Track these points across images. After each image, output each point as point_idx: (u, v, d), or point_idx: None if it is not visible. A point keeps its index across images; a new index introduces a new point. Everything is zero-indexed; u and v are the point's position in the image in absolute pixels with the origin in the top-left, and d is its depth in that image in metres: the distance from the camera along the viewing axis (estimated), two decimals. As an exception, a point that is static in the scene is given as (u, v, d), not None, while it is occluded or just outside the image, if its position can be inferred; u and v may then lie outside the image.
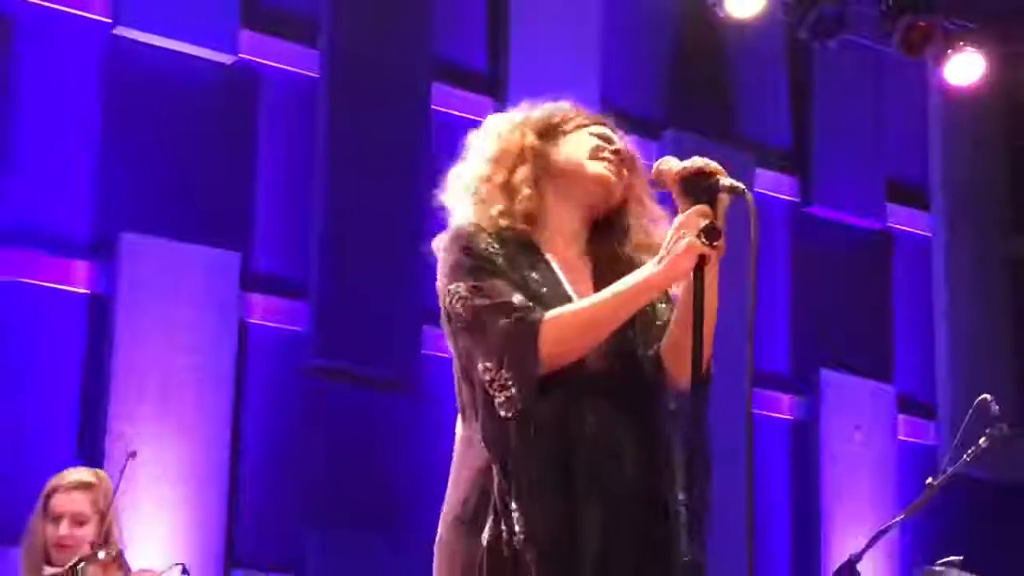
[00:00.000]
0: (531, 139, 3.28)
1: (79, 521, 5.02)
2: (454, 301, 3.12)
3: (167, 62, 6.99)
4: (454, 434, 3.32)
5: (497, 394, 3.06)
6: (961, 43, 8.32)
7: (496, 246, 3.14)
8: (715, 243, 2.94)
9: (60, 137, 6.82)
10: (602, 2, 7.99)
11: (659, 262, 3.01)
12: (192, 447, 6.65)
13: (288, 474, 6.95)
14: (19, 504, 6.20)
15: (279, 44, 7.31)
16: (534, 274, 3.15)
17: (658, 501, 3.16)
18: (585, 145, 3.27)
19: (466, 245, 3.15)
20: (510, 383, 3.04)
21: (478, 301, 3.08)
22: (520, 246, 3.18)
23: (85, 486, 5.09)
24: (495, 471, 3.07)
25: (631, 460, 3.13)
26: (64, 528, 4.99)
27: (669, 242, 3.00)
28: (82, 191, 6.83)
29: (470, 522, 3.13)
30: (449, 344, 3.23)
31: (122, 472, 4.96)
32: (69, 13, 6.89)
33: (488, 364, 3.07)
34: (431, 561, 3.35)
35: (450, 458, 3.34)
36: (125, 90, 6.94)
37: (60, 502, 5.05)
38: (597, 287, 3.19)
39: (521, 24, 7.81)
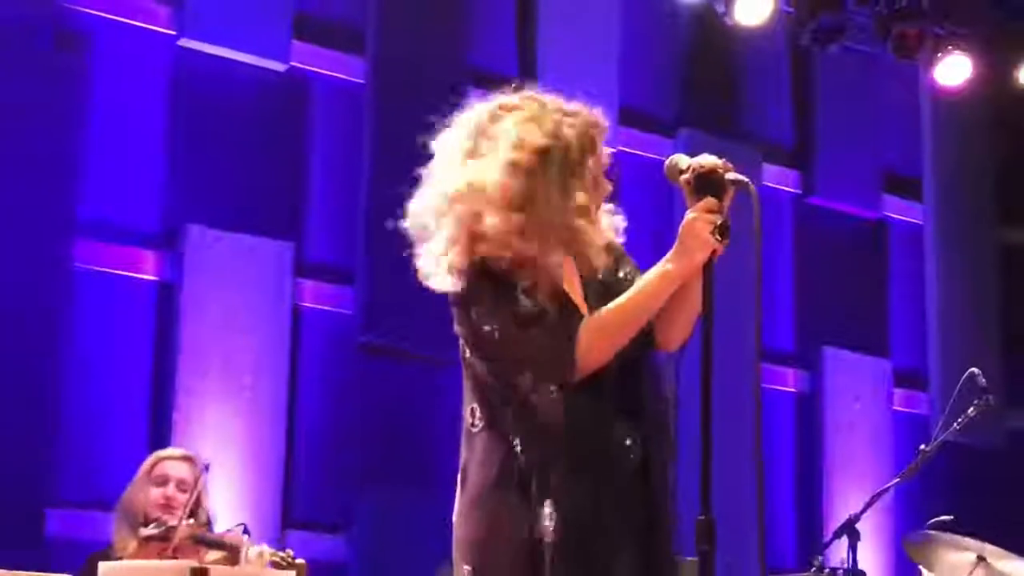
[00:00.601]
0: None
1: (182, 488, 5.08)
2: (482, 323, 3.09)
3: (226, 70, 6.97)
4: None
5: (537, 399, 3.05)
6: (950, 47, 8.26)
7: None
8: (726, 238, 2.96)
9: (131, 139, 6.82)
10: (622, 13, 7.94)
11: (675, 257, 3.02)
12: (251, 419, 6.67)
13: (338, 441, 6.95)
14: (96, 473, 6.23)
15: (327, 54, 7.29)
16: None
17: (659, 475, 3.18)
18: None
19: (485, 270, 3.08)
20: (552, 390, 3.04)
21: (513, 322, 3.05)
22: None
23: (188, 459, 5.23)
24: (521, 456, 3.06)
25: (640, 438, 3.14)
26: (170, 490, 5.08)
27: (683, 237, 2.99)
28: (151, 187, 6.82)
29: (501, 499, 3.11)
30: (467, 352, 3.19)
31: (198, 482, 5.00)
32: (139, 27, 6.88)
33: (528, 374, 3.06)
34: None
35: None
36: (189, 96, 6.93)
37: (168, 468, 5.16)
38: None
39: (548, 34, 7.78)
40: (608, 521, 3.10)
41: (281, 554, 4.79)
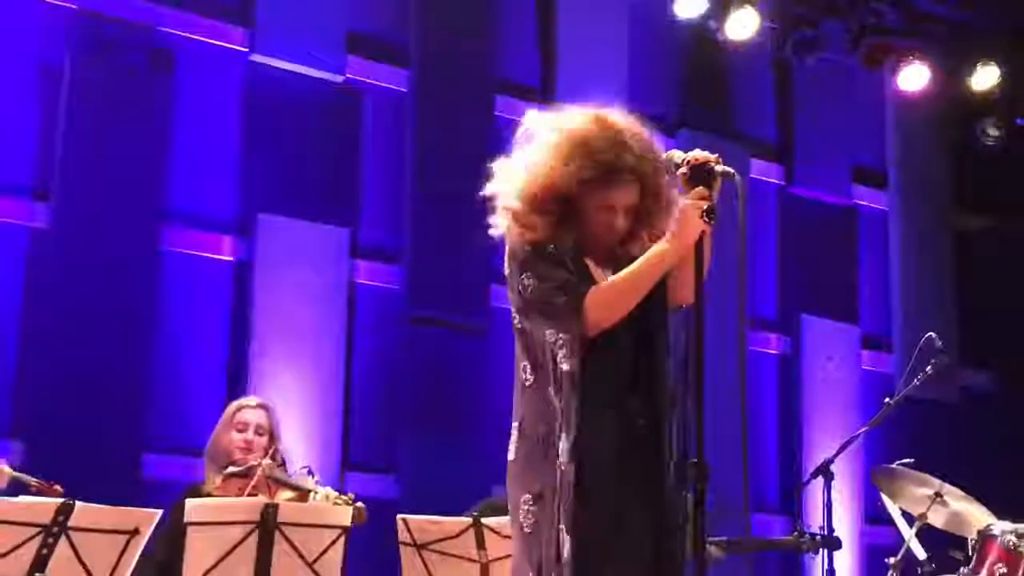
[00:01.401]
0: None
1: (259, 432, 5.11)
2: (525, 287, 3.18)
3: (291, 81, 6.98)
4: (512, 363, 3.32)
5: (559, 352, 3.11)
6: (911, 58, 8.27)
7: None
8: (712, 220, 3.05)
9: (211, 141, 6.86)
10: (629, 30, 7.93)
11: (672, 238, 3.11)
12: (315, 378, 6.69)
13: (387, 397, 6.98)
14: (184, 423, 6.27)
15: (377, 67, 7.29)
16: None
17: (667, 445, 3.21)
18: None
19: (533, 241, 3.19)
20: (564, 343, 3.10)
21: (543, 285, 3.14)
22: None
23: (264, 407, 5.22)
24: (558, 406, 3.11)
25: (652, 410, 3.20)
26: (249, 435, 5.09)
27: (679, 221, 3.09)
28: (228, 182, 6.86)
29: (542, 447, 3.17)
30: (515, 313, 3.26)
31: (274, 426, 5.06)
32: (217, 45, 6.92)
33: (550, 330, 3.14)
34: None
35: (506, 381, 3.34)
36: (259, 104, 6.94)
37: (247, 416, 5.16)
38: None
39: (565, 49, 7.77)
40: (622, 477, 3.15)
41: (344, 496, 4.82)
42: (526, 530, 3.16)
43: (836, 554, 5.50)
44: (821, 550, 5.34)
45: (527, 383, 3.23)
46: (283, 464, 5.12)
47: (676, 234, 3.10)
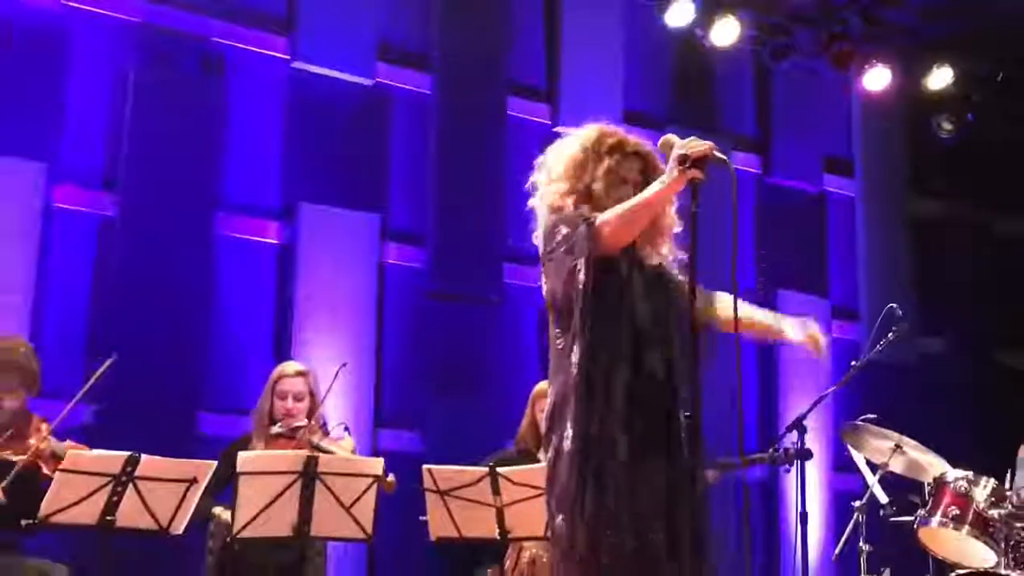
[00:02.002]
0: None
1: (299, 398, 5.12)
2: (557, 234, 3.25)
3: (328, 84, 6.97)
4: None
5: (578, 274, 3.15)
6: (874, 61, 8.26)
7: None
8: (695, 171, 3.09)
9: (258, 138, 6.85)
10: (625, 38, 7.90)
11: (663, 182, 3.15)
12: (351, 345, 6.69)
13: (414, 361, 6.98)
14: (235, 385, 6.30)
15: (404, 72, 7.27)
16: None
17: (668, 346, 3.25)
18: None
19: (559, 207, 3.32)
20: (582, 267, 3.15)
21: (565, 226, 3.23)
22: None
23: (302, 374, 5.23)
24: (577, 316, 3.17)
25: (667, 364, 3.26)
26: (289, 403, 5.12)
27: (669, 169, 3.14)
28: (273, 174, 6.86)
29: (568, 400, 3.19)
30: (548, 277, 3.30)
31: (335, 376, 5.02)
32: (262, 53, 6.92)
33: (572, 256, 3.19)
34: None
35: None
36: (300, 105, 6.94)
37: (286, 385, 5.19)
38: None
39: (568, 55, 7.74)
40: (635, 433, 3.16)
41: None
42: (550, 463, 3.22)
43: (809, 495, 5.52)
44: (795, 462, 5.38)
45: (559, 347, 3.25)
46: (323, 425, 5.13)
47: (666, 178, 3.14)
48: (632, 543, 3.09)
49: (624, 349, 3.21)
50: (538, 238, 3.38)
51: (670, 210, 3.38)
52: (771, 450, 5.66)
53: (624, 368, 3.19)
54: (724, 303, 3.36)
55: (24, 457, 4.30)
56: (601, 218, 3.19)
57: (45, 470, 4.47)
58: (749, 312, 3.61)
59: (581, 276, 3.16)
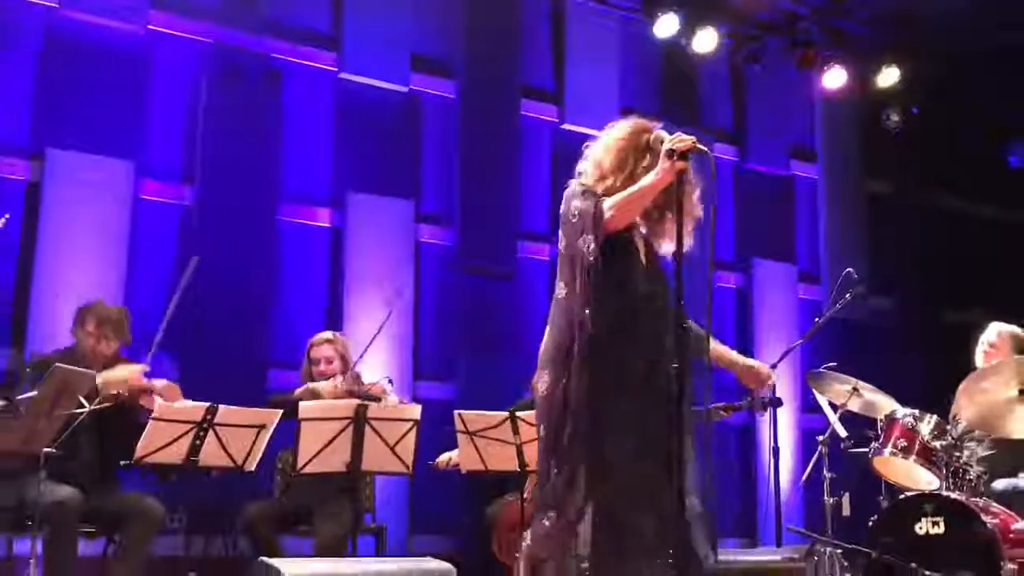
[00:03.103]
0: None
1: (329, 361, 5.11)
2: (575, 209, 3.22)
3: (369, 92, 6.96)
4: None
5: (586, 249, 3.13)
6: (832, 63, 8.21)
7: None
8: (681, 160, 3.11)
9: (311, 137, 6.84)
10: (620, 47, 7.87)
11: (657, 174, 3.15)
12: (394, 312, 6.71)
13: (445, 325, 6.99)
14: (295, 348, 6.25)
15: (432, 79, 7.23)
16: None
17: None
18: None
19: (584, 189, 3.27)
20: (590, 242, 3.13)
21: (582, 201, 3.22)
22: None
23: (330, 341, 5.21)
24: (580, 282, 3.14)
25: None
26: (322, 366, 5.14)
27: (660, 162, 3.14)
28: (325, 168, 6.85)
29: (569, 345, 3.15)
30: (563, 238, 3.24)
31: (391, 311, 5.07)
32: (313, 66, 6.89)
33: (582, 237, 3.17)
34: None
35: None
36: (347, 110, 6.92)
37: (317, 352, 5.21)
38: None
39: (572, 64, 7.70)
40: (632, 390, 3.14)
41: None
42: (542, 393, 3.18)
43: (780, 430, 5.53)
44: (768, 408, 5.39)
45: (560, 296, 3.23)
46: (357, 378, 5.13)
47: (659, 170, 3.14)
48: (634, 442, 3.07)
49: (621, 315, 3.19)
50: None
51: (693, 200, 3.32)
52: (748, 398, 5.66)
53: (620, 331, 3.18)
54: (712, 344, 3.33)
55: (123, 393, 4.32)
56: (607, 203, 3.18)
57: (142, 402, 4.50)
58: (723, 351, 3.61)
59: (591, 249, 3.14)
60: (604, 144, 3.39)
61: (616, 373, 3.12)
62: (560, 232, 3.28)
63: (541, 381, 3.21)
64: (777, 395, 5.50)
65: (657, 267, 3.33)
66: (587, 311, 3.12)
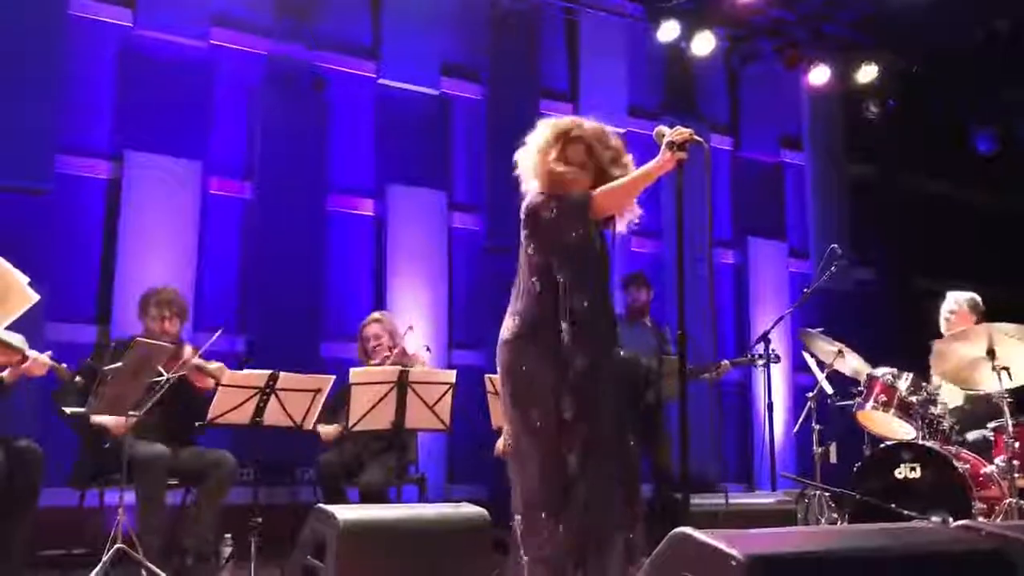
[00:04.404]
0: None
1: (377, 338, 5.15)
2: (551, 208, 3.14)
3: (405, 95, 6.94)
4: (520, 279, 3.31)
5: (570, 240, 3.07)
6: (817, 62, 8.10)
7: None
8: (681, 153, 3.05)
9: (354, 136, 6.83)
10: (627, 52, 7.78)
11: (656, 162, 3.08)
12: (429, 290, 6.72)
13: (477, 299, 6.96)
14: (345, 323, 6.34)
15: (461, 83, 7.20)
16: None
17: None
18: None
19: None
20: (579, 226, 3.06)
21: (564, 201, 3.15)
22: None
23: (377, 321, 5.26)
24: (562, 270, 3.09)
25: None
26: (371, 343, 5.14)
27: (661, 153, 3.08)
28: (367, 164, 6.84)
29: (532, 326, 3.15)
30: (534, 239, 3.18)
31: (404, 334, 5.12)
32: (355, 73, 6.86)
33: (571, 223, 3.08)
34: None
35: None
36: (385, 111, 6.90)
37: (366, 332, 5.25)
38: None
39: (586, 66, 7.65)
40: (593, 344, 3.11)
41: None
42: (524, 381, 3.13)
43: (773, 387, 5.52)
44: (768, 364, 5.38)
45: (536, 290, 3.16)
46: (404, 352, 5.14)
47: (658, 160, 3.08)
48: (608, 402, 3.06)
49: (589, 288, 3.14)
50: (528, 196, 3.27)
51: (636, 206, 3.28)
52: (749, 355, 5.67)
53: (593, 307, 3.14)
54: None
55: (177, 373, 4.36)
56: (599, 191, 3.14)
57: (195, 382, 4.54)
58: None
59: (573, 236, 3.09)
60: (534, 151, 3.30)
61: (596, 334, 3.11)
62: (530, 237, 3.17)
63: (526, 369, 3.15)
64: (773, 354, 5.51)
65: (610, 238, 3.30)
66: (569, 296, 3.09)
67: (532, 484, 3.03)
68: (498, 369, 3.20)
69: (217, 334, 4.41)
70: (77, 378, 4.18)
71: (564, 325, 3.07)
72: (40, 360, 3.98)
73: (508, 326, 3.19)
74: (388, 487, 4.83)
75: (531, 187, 3.28)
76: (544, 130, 3.31)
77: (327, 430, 4.99)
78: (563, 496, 2.98)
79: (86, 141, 5.93)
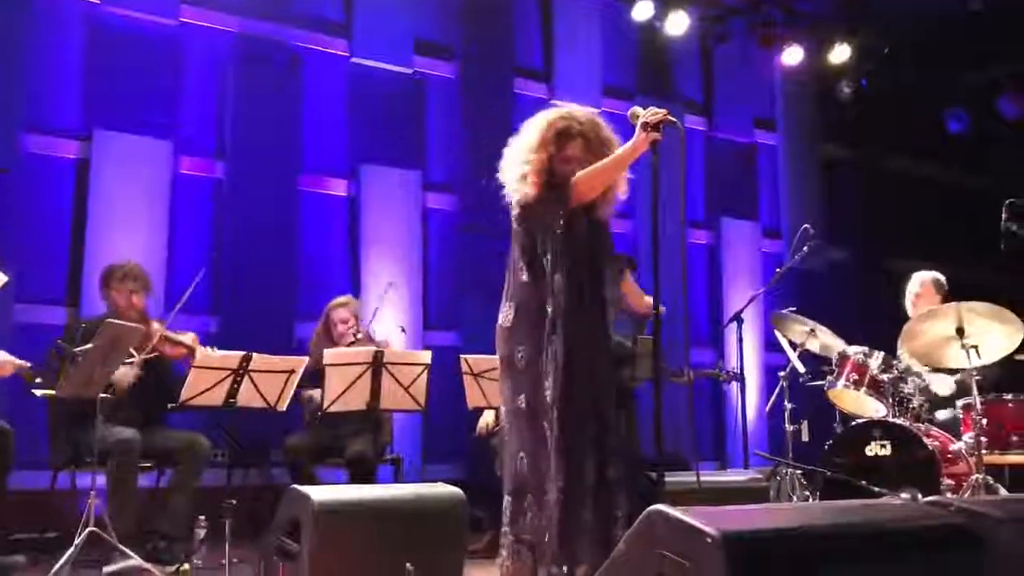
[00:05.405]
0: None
1: (345, 323, 5.12)
2: (539, 196, 3.23)
3: (378, 74, 6.88)
4: (511, 266, 3.34)
5: (555, 223, 3.13)
6: (790, 42, 8.13)
7: None
8: (655, 133, 3.07)
9: (327, 116, 6.76)
10: (602, 31, 7.78)
11: (631, 145, 3.13)
12: (404, 269, 6.67)
13: (451, 280, 6.95)
14: (318, 302, 6.26)
15: (435, 62, 7.15)
16: None
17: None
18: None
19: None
20: (560, 216, 3.11)
21: (546, 192, 3.23)
22: None
23: (344, 304, 5.22)
24: (547, 257, 3.14)
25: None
26: (339, 328, 5.12)
27: (636, 134, 3.10)
28: (340, 144, 6.78)
29: (531, 318, 3.20)
30: (520, 224, 3.25)
31: (386, 290, 5.05)
32: (329, 52, 6.80)
33: (553, 207, 3.14)
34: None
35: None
36: (358, 90, 6.84)
37: (333, 316, 5.23)
38: None
39: (560, 44, 7.62)
40: (581, 336, 3.16)
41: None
42: (519, 367, 3.17)
43: (746, 366, 5.57)
44: (733, 382, 5.42)
45: (524, 279, 3.23)
46: (368, 337, 5.13)
47: (634, 141, 3.10)
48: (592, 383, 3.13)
49: (578, 278, 3.19)
50: (513, 194, 3.30)
51: (623, 177, 3.31)
52: (717, 368, 5.68)
53: (576, 291, 3.18)
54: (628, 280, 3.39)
55: (148, 353, 4.32)
56: (576, 177, 3.16)
57: (167, 351, 4.50)
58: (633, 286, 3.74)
59: (558, 223, 3.13)
60: (523, 146, 3.33)
61: (579, 318, 3.14)
62: (517, 223, 3.23)
63: (516, 354, 3.20)
64: (742, 372, 5.53)
65: (600, 224, 3.32)
66: (556, 282, 3.13)
67: (520, 467, 3.10)
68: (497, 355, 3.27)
69: (183, 300, 4.39)
70: (38, 379, 4.12)
71: (548, 308, 3.12)
72: (8, 361, 3.94)
73: (503, 312, 3.28)
74: (377, 463, 4.85)
75: (524, 184, 3.28)
76: (540, 127, 3.30)
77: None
78: (547, 479, 3.03)
79: (53, 120, 5.84)
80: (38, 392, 4.17)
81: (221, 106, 6.35)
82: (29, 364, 4.04)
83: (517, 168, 3.29)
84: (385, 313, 5.37)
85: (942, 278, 5.35)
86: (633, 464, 5.32)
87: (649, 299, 3.68)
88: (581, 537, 3.01)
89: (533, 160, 3.24)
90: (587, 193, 3.15)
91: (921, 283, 5.34)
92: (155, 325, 4.55)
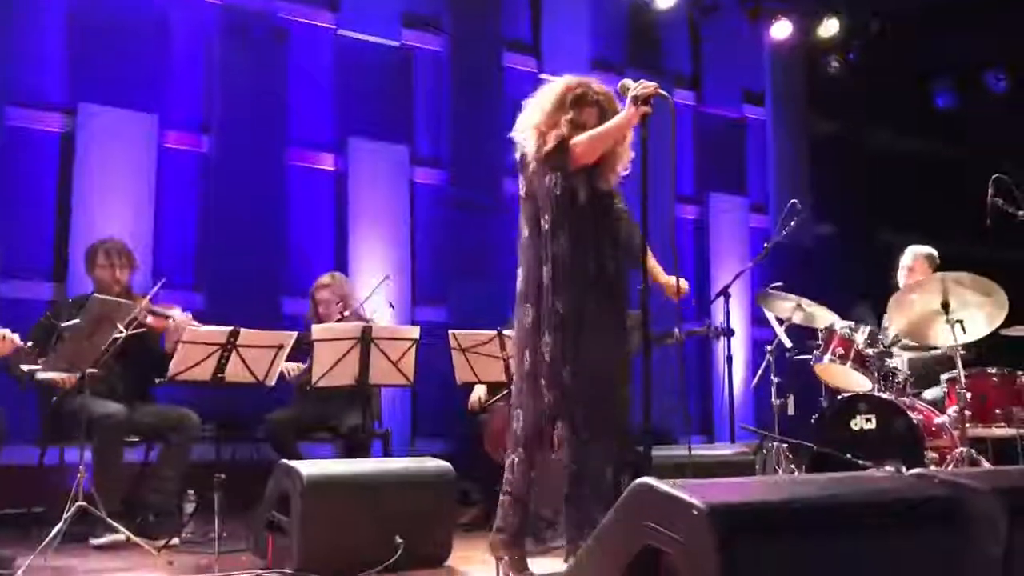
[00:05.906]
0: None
1: (327, 304, 5.11)
2: (540, 155, 3.23)
3: (365, 47, 6.84)
4: (515, 232, 3.37)
5: (554, 186, 3.16)
6: (779, 16, 8.13)
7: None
8: (645, 107, 3.08)
9: (315, 89, 6.73)
10: (591, 3, 7.74)
11: (624, 115, 3.15)
12: (392, 245, 6.67)
13: (440, 254, 6.94)
14: (305, 278, 6.22)
15: (422, 35, 7.11)
16: None
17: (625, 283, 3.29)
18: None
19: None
20: (558, 175, 3.14)
21: (550, 147, 3.23)
22: None
23: (326, 285, 5.21)
24: (549, 218, 3.17)
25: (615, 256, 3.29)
26: (322, 308, 5.12)
27: (627, 107, 3.13)
28: (327, 117, 6.75)
29: (526, 272, 3.23)
30: (524, 183, 3.27)
31: (377, 285, 5.07)
32: (315, 24, 6.75)
33: (549, 175, 3.19)
34: (511, 292, 3.38)
35: (515, 244, 3.37)
36: (345, 63, 6.80)
37: (318, 295, 5.24)
38: None
39: (548, 17, 7.58)
40: (591, 307, 3.18)
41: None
42: (527, 327, 3.22)
43: (732, 342, 5.58)
44: (722, 336, 5.43)
45: (525, 236, 3.29)
46: (353, 314, 5.13)
47: (625, 112, 3.13)
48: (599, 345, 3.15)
49: (584, 246, 3.20)
50: (523, 152, 3.32)
51: (627, 150, 3.32)
52: (705, 325, 5.69)
53: (586, 260, 3.20)
54: (648, 258, 3.38)
55: (134, 329, 4.30)
56: (574, 140, 3.19)
57: (152, 323, 4.49)
58: (655, 267, 3.69)
59: (557, 187, 3.15)
60: (536, 99, 3.35)
61: (576, 278, 3.17)
62: (521, 178, 3.29)
63: (526, 315, 3.24)
64: (731, 327, 5.55)
65: (605, 195, 3.33)
66: (553, 240, 3.16)
67: (518, 425, 3.19)
68: None
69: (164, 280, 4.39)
70: (39, 362, 4.09)
71: (545, 268, 3.15)
72: (11, 339, 3.91)
73: (518, 278, 3.32)
74: (370, 439, 4.86)
75: (533, 140, 3.29)
76: (558, 91, 3.33)
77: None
78: (541, 438, 3.11)
79: (38, 93, 5.79)
80: (24, 368, 4.15)
81: (207, 80, 6.30)
82: (30, 343, 4.01)
83: (530, 125, 3.29)
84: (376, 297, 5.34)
85: (935, 253, 5.38)
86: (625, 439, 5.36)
87: (669, 279, 3.68)
88: (574, 495, 3.08)
89: (546, 119, 3.25)
90: (583, 156, 3.18)
91: (914, 256, 5.38)
92: (140, 300, 4.53)
